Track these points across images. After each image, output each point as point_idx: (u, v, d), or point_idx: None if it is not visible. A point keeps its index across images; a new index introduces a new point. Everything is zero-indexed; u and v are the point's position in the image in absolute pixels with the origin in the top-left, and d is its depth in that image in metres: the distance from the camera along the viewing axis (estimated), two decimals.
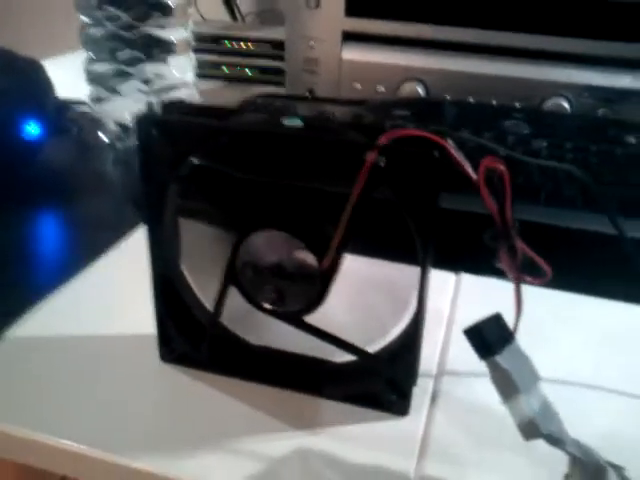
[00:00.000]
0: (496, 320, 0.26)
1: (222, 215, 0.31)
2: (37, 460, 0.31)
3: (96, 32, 0.58)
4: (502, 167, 0.25)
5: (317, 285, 0.29)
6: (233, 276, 0.30)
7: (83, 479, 0.31)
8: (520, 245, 0.27)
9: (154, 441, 0.29)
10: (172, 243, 0.32)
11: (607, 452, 0.26)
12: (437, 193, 0.27)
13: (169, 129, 0.29)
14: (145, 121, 0.29)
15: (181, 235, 0.32)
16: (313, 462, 0.28)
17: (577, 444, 0.25)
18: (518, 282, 0.27)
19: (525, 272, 0.28)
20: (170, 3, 0.58)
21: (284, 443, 0.29)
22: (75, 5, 0.58)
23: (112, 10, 0.57)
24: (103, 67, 0.59)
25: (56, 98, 0.57)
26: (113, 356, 0.35)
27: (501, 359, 0.26)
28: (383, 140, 0.26)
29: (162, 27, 0.58)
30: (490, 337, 0.26)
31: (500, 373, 0.25)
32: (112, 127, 0.61)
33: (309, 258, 0.29)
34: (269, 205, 0.29)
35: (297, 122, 0.28)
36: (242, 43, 0.86)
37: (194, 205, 0.32)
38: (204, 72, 0.82)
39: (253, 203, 0.29)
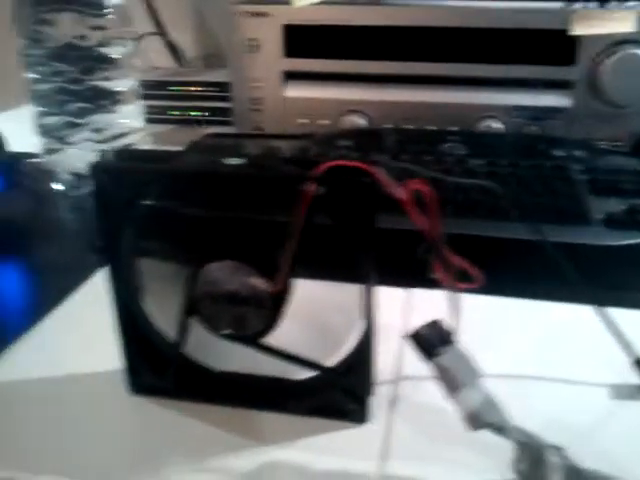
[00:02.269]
0: (436, 325, 0.29)
1: (177, 250, 0.33)
2: None
3: (44, 87, 0.60)
4: (426, 188, 0.28)
5: (272, 307, 0.31)
6: (192, 307, 0.32)
7: None
8: (450, 255, 0.30)
9: (129, 470, 0.31)
10: (132, 280, 0.34)
11: (550, 436, 0.28)
12: (373, 215, 0.30)
13: (120, 175, 0.31)
14: (98, 168, 0.31)
15: (140, 272, 0.34)
16: (281, 473, 0.30)
17: (520, 431, 0.28)
18: (452, 289, 0.30)
19: (459, 280, 0.31)
20: (115, 55, 0.60)
21: (253, 459, 0.31)
22: (21, 62, 0.59)
23: (58, 65, 0.59)
24: (53, 120, 0.61)
25: (8, 152, 0.58)
26: (83, 393, 0.36)
27: (443, 359, 0.28)
28: (318, 171, 0.28)
29: (108, 79, 0.60)
30: (431, 340, 0.28)
31: (444, 372, 0.28)
32: (65, 176, 0.63)
33: (262, 283, 0.31)
34: (221, 237, 0.31)
35: (239, 160, 0.30)
36: (188, 87, 0.88)
37: (149, 244, 0.34)
38: (153, 117, 0.84)
39: (206, 236, 0.32)
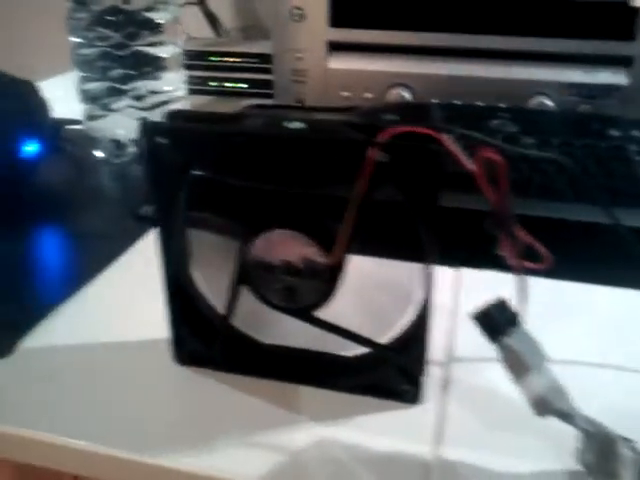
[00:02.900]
0: (501, 304, 0.28)
1: (230, 220, 0.32)
2: (56, 463, 0.31)
3: (88, 52, 0.59)
4: (498, 157, 0.27)
5: (327, 280, 0.30)
6: (244, 276, 0.31)
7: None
8: (519, 231, 0.28)
9: (176, 439, 0.30)
10: (182, 249, 0.33)
11: (616, 427, 0.27)
12: (440, 186, 0.28)
13: (176, 136, 0.30)
14: (152, 129, 0.30)
15: (190, 239, 0.33)
16: (333, 451, 0.29)
17: (587, 419, 0.26)
18: (519, 267, 0.28)
19: (526, 260, 0.29)
20: (159, 21, 0.59)
21: (303, 435, 0.30)
22: (67, 27, 0.59)
23: (103, 31, 0.58)
24: (96, 86, 0.60)
25: (51, 118, 0.58)
26: (126, 361, 0.35)
27: (510, 340, 0.27)
28: (384, 137, 0.27)
29: (152, 45, 0.59)
30: (497, 320, 0.27)
31: (510, 354, 0.27)
32: (107, 143, 0.62)
33: (318, 255, 0.30)
34: (277, 206, 0.30)
35: (300, 125, 0.29)
36: (228, 58, 0.87)
37: (201, 215, 0.33)
38: (192, 87, 0.83)
39: (261, 205, 0.30)
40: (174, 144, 0.30)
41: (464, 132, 0.32)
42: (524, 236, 0.29)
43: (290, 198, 0.30)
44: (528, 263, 0.29)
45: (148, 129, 0.30)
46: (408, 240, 0.30)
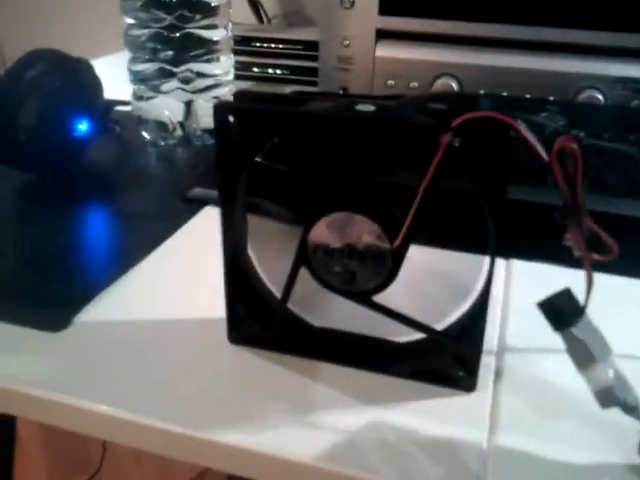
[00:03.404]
0: (567, 294, 0.27)
1: (294, 199, 0.32)
2: (110, 435, 0.32)
3: (139, 33, 0.60)
4: (574, 146, 0.26)
5: (388, 265, 0.30)
6: (304, 258, 0.32)
7: (164, 454, 0.32)
8: (589, 222, 0.28)
9: (226, 416, 0.30)
10: (241, 229, 0.33)
11: None
12: (510, 175, 0.28)
13: (245, 116, 0.30)
14: (222, 109, 0.30)
15: (250, 221, 0.33)
16: (388, 434, 0.29)
17: None
18: (588, 258, 0.28)
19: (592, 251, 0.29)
20: (213, 4, 0.59)
21: (357, 417, 0.30)
22: (120, 8, 0.59)
23: (156, 12, 0.58)
24: (146, 67, 0.61)
25: (103, 98, 0.58)
26: (176, 338, 0.36)
27: (576, 330, 0.26)
28: (458, 122, 0.27)
29: (204, 27, 0.60)
30: (564, 310, 0.27)
31: (576, 344, 0.26)
32: (154, 125, 0.63)
33: (380, 238, 0.30)
34: (342, 188, 0.30)
35: (369, 107, 0.29)
36: (272, 44, 0.87)
37: (264, 194, 0.33)
38: (235, 73, 0.83)
39: (326, 187, 0.31)
40: (243, 124, 0.30)
41: (543, 121, 0.31)
42: (593, 227, 0.28)
43: (356, 181, 0.30)
44: (595, 255, 0.29)
45: (218, 108, 0.30)
46: (473, 230, 0.29)
